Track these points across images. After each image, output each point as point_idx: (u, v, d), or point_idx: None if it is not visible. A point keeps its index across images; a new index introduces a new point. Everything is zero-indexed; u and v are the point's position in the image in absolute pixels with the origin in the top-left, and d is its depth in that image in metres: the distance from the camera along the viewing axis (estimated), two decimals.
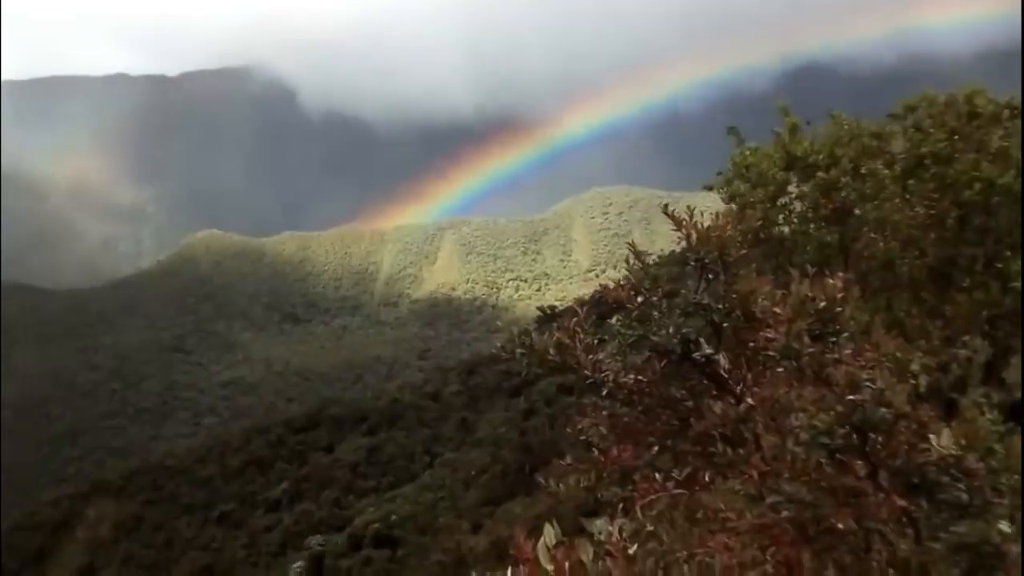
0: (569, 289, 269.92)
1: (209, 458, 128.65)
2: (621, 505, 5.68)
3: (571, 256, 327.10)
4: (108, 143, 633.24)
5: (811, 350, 5.49)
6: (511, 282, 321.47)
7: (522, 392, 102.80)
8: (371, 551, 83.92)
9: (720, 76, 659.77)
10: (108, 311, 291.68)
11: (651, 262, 6.24)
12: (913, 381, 9.83)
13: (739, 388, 5.88)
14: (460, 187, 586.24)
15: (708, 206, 14.81)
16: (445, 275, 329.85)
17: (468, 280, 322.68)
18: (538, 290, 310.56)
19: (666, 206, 6.12)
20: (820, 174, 14.21)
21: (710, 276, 5.94)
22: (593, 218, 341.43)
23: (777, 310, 5.69)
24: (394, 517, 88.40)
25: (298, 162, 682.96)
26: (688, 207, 6.00)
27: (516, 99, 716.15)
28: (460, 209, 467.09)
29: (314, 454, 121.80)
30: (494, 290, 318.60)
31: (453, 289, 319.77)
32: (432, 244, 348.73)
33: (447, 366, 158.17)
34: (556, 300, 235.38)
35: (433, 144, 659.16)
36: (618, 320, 6.13)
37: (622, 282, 6.17)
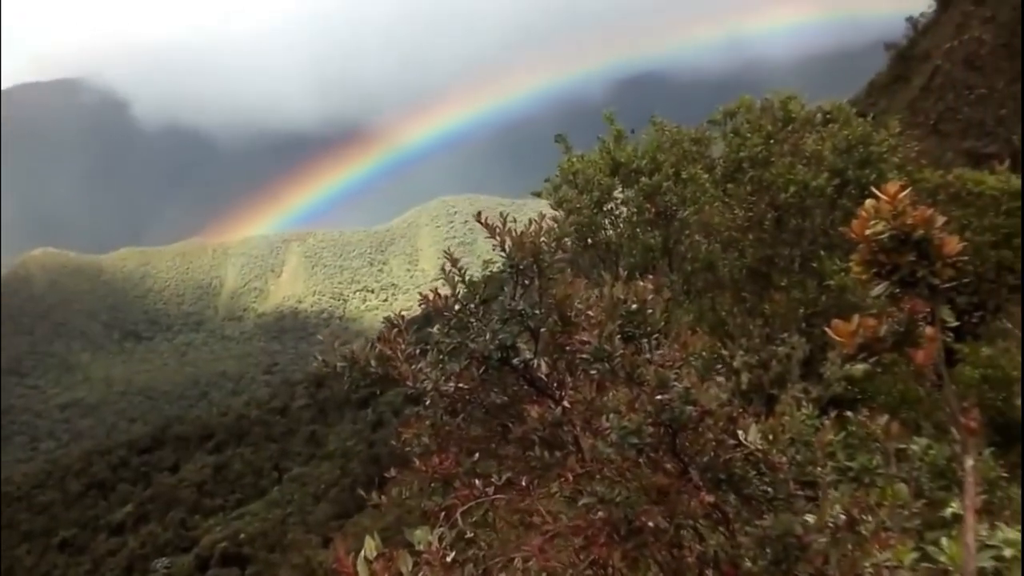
0: (417, 299, 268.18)
1: (48, 483, 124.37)
2: (443, 513, 5.67)
3: (418, 265, 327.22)
4: None
5: (622, 352, 5.56)
6: (358, 293, 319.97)
7: (370, 404, 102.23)
8: (219, 570, 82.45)
9: (561, 83, 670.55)
10: None
11: (496, 271, 6.25)
12: (735, 377, 10.12)
13: (558, 392, 5.93)
14: (305, 198, 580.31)
15: (550, 213, 15.06)
16: (291, 288, 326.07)
17: (315, 292, 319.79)
18: (385, 300, 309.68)
19: (479, 213, 6.13)
20: (643, 179, 14.54)
21: (526, 282, 5.96)
22: (439, 227, 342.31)
23: (591, 313, 5.75)
24: (242, 535, 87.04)
25: (136, 176, 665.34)
26: (502, 215, 6.03)
27: (359, 109, 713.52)
28: (306, 221, 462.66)
29: (159, 475, 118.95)
30: (341, 301, 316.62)
31: (299, 302, 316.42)
32: (277, 257, 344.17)
33: (294, 380, 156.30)
34: (403, 310, 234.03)
35: (276, 155, 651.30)
36: (437, 329, 6.11)
37: (439, 291, 6.16)
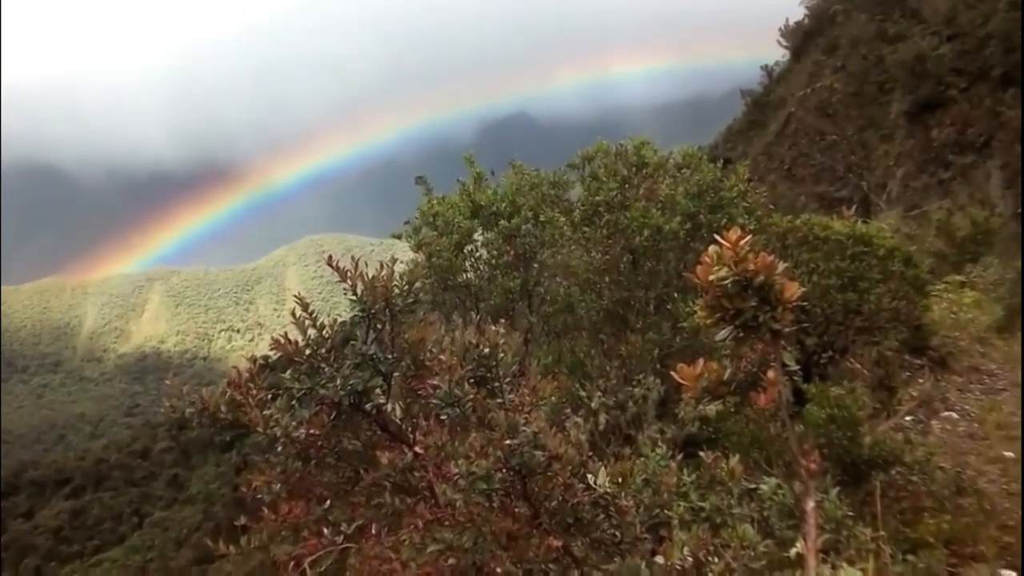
0: (273, 336, 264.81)
1: None
2: (292, 563, 5.57)
3: (284, 305, 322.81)
4: None
5: (474, 396, 5.56)
6: (223, 332, 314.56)
7: (235, 446, 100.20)
8: None
9: (429, 125, 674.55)
10: None
11: (353, 314, 6.18)
12: (593, 418, 10.20)
13: (412, 437, 5.89)
14: (169, 237, 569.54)
15: (407, 254, 15.03)
16: (153, 327, 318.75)
17: (178, 332, 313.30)
18: (251, 340, 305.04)
19: (330, 257, 6.07)
20: (503, 222, 14.64)
21: (378, 326, 5.93)
22: (307, 266, 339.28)
23: (443, 358, 5.74)
24: None
25: None
26: (353, 258, 5.99)
27: (222, 149, 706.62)
28: (170, 260, 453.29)
29: (12, 521, 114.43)
30: (206, 341, 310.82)
31: (162, 342, 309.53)
32: (139, 296, 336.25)
33: (156, 422, 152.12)
34: (269, 350, 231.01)
35: (137, 194, 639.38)
36: (289, 374, 6.01)
37: (289, 335, 6.08)
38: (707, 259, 3.54)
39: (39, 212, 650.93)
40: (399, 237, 16.27)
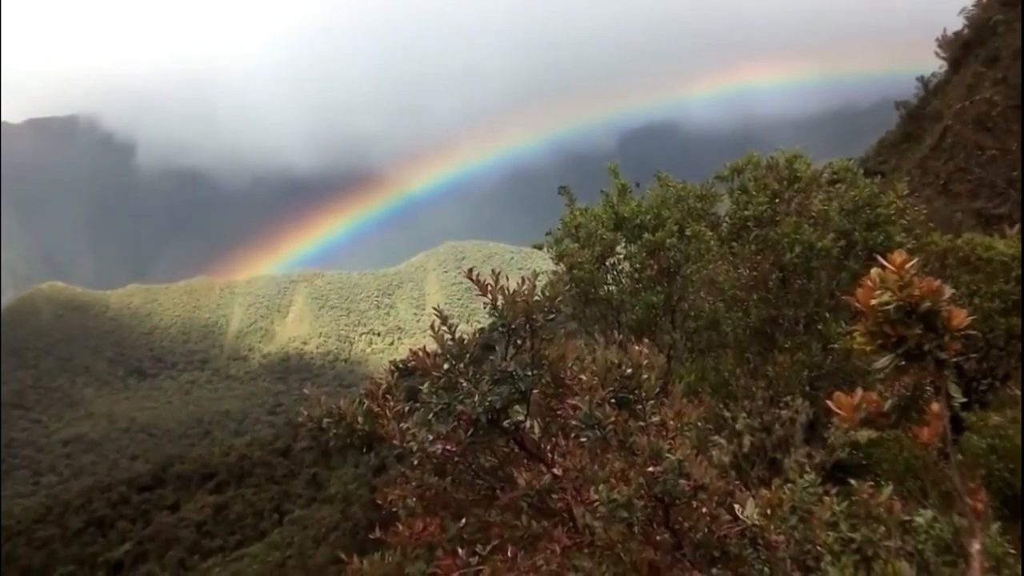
0: (423, 343, 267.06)
1: (48, 518, 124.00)
2: None
3: (424, 310, 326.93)
4: None
5: (614, 419, 5.38)
6: (364, 336, 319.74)
7: (373, 448, 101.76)
8: None
9: (567, 133, 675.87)
10: None
11: (491, 325, 6.12)
12: (737, 440, 9.87)
13: (550, 457, 5.75)
14: (312, 240, 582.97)
15: (548, 264, 14.92)
16: (297, 328, 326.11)
17: (320, 334, 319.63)
18: (391, 343, 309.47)
19: (471, 270, 5.96)
20: (647, 235, 14.39)
21: (518, 342, 5.80)
22: (447, 272, 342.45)
23: (583, 377, 5.58)
24: None
25: (141, 214, 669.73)
26: (493, 271, 5.87)
27: (358, 156, 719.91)
28: (312, 262, 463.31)
29: (159, 513, 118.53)
30: (347, 344, 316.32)
31: (305, 343, 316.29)
32: (284, 297, 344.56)
33: (297, 422, 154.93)
34: (408, 361, 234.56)
35: (278, 198, 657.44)
36: (426, 387, 5.93)
37: (428, 348, 6.00)
38: (868, 282, 3.35)
39: (185, 214, 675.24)
40: (540, 247, 16.17)
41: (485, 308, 5.83)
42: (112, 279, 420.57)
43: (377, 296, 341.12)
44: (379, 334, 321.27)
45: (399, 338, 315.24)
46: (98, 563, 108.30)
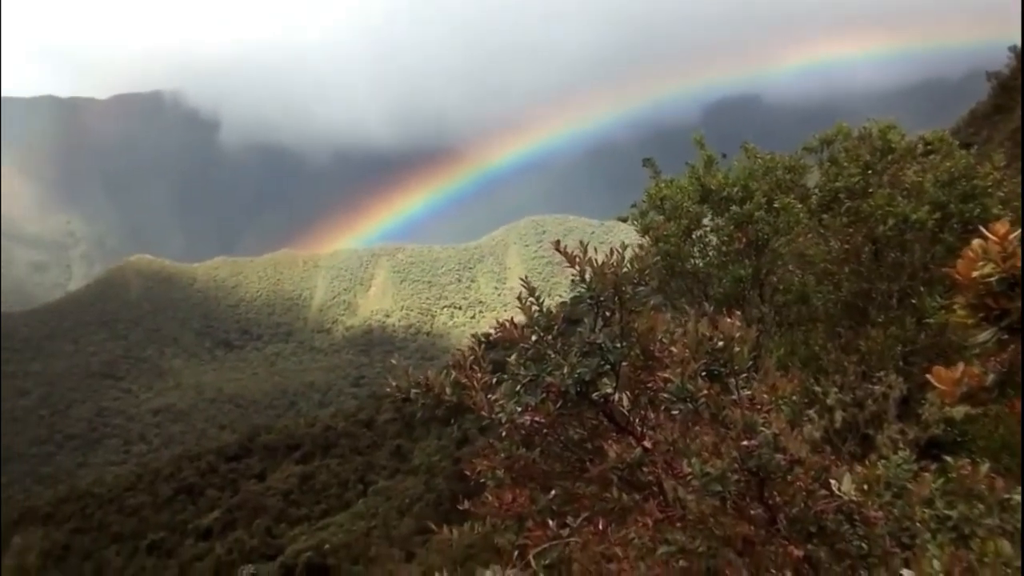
0: (504, 317, 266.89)
1: (139, 486, 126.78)
2: (516, 552, 5.47)
3: (505, 284, 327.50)
4: (35, 165, 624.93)
5: (707, 392, 5.30)
6: (445, 309, 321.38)
7: (455, 420, 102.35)
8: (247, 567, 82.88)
9: (649, 106, 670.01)
10: (36, 336, 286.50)
11: (577, 295, 6.06)
12: (828, 415, 9.72)
13: (640, 430, 5.70)
14: (393, 214, 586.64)
15: (631, 237, 14.79)
16: (379, 302, 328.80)
17: (402, 307, 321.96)
18: (472, 317, 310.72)
19: (558, 242, 5.90)
20: (734, 208, 14.15)
21: (607, 314, 5.74)
22: (527, 246, 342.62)
23: (674, 349, 5.51)
24: (327, 546, 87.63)
25: (226, 188, 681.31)
26: (581, 243, 5.81)
27: (437, 131, 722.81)
28: (394, 236, 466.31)
29: (246, 482, 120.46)
30: (428, 317, 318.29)
31: (387, 316, 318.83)
32: (366, 271, 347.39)
33: (381, 393, 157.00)
34: (490, 328, 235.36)
35: (359, 173, 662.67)
36: (514, 359, 5.90)
37: (516, 320, 5.97)
38: (970, 253, 3.22)
39: (269, 189, 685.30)
40: (625, 220, 16.01)
41: (571, 280, 5.79)
42: (199, 252, 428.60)
43: (458, 270, 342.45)
44: (460, 308, 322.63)
45: (480, 312, 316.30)
46: (188, 530, 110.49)
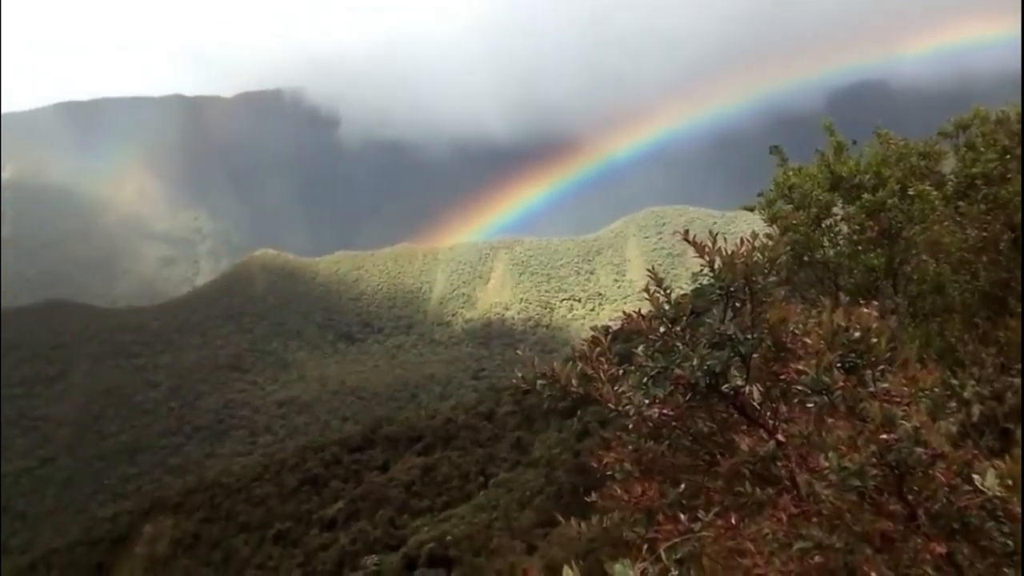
0: (623, 309, 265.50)
1: (265, 476, 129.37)
2: (646, 546, 5.42)
3: (625, 276, 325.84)
4: (164, 163, 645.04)
5: (843, 384, 5.18)
6: (565, 302, 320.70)
7: (576, 413, 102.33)
8: (426, 571, 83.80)
9: (772, 95, 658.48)
10: (166, 330, 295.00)
11: (703, 284, 6.00)
12: (965, 409, 9.43)
13: (771, 423, 5.60)
14: (511, 207, 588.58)
15: (763, 227, 14.51)
16: (498, 295, 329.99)
17: (521, 300, 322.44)
18: (592, 310, 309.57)
19: (686, 232, 5.83)
20: (866, 195, 13.79)
21: (736, 305, 5.65)
22: (647, 238, 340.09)
23: (808, 340, 5.40)
24: (449, 537, 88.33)
25: (346, 184, 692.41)
26: (711, 232, 5.73)
27: (554, 122, 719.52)
28: (512, 229, 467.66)
29: (369, 473, 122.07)
30: (548, 310, 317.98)
31: (506, 309, 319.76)
32: (485, 264, 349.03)
33: (501, 386, 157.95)
34: (610, 320, 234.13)
35: (477, 166, 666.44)
36: (642, 351, 5.84)
37: (643, 311, 5.90)
38: None
39: (388, 183, 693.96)
40: (751, 210, 15.72)
41: (692, 273, 5.72)
42: (321, 247, 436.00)
43: (577, 262, 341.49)
44: (580, 300, 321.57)
45: (600, 304, 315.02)
46: (312, 520, 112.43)
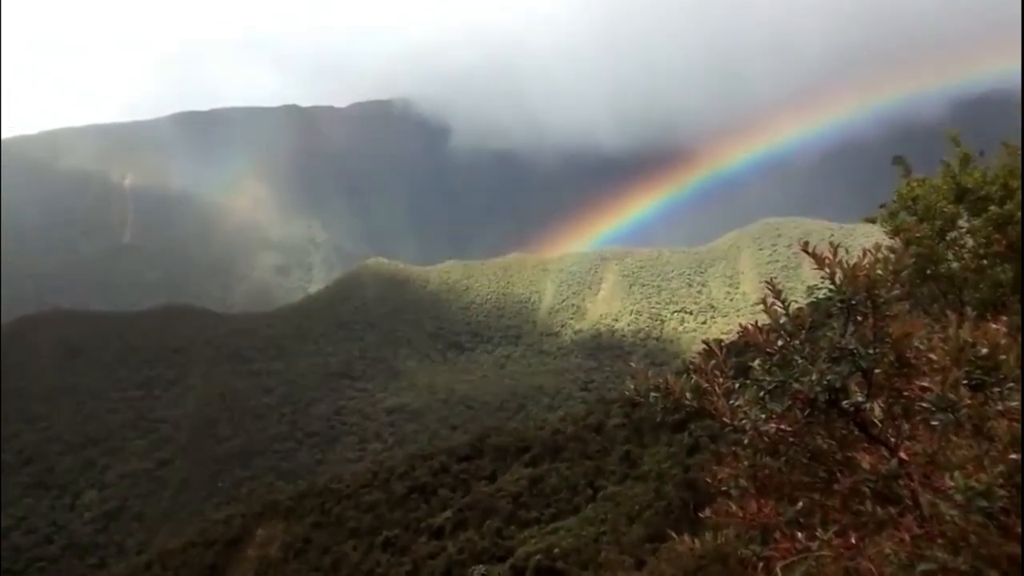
0: (736, 323, 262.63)
1: (374, 483, 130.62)
2: (761, 564, 5.33)
3: (738, 288, 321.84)
4: (279, 172, 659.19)
5: (969, 401, 5.02)
6: (675, 314, 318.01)
7: (686, 427, 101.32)
8: None
9: (893, 105, 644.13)
10: (279, 336, 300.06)
11: (819, 297, 5.89)
12: None
13: (893, 440, 5.46)
14: (621, 218, 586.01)
15: (883, 239, 14.16)
16: (608, 306, 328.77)
17: (631, 311, 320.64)
18: (704, 323, 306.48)
19: (806, 243, 5.73)
20: (993, 207, 13.37)
21: (858, 318, 5.53)
22: (761, 250, 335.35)
23: (933, 356, 5.25)
24: (556, 550, 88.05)
25: (456, 194, 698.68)
26: (832, 244, 5.61)
27: (667, 132, 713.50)
28: (623, 239, 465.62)
29: (477, 483, 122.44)
30: (658, 322, 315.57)
31: (616, 320, 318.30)
32: (595, 274, 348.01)
33: (610, 398, 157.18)
34: (722, 333, 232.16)
35: (587, 177, 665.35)
36: (759, 364, 5.74)
37: (760, 324, 5.80)
38: None
39: (498, 194, 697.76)
40: (872, 221, 15.37)
41: (808, 286, 5.61)
42: (432, 255, 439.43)
43: (689, 274, 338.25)
44: (691, 312, 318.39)
45: (711, 317, 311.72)
46: (420, 528, 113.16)
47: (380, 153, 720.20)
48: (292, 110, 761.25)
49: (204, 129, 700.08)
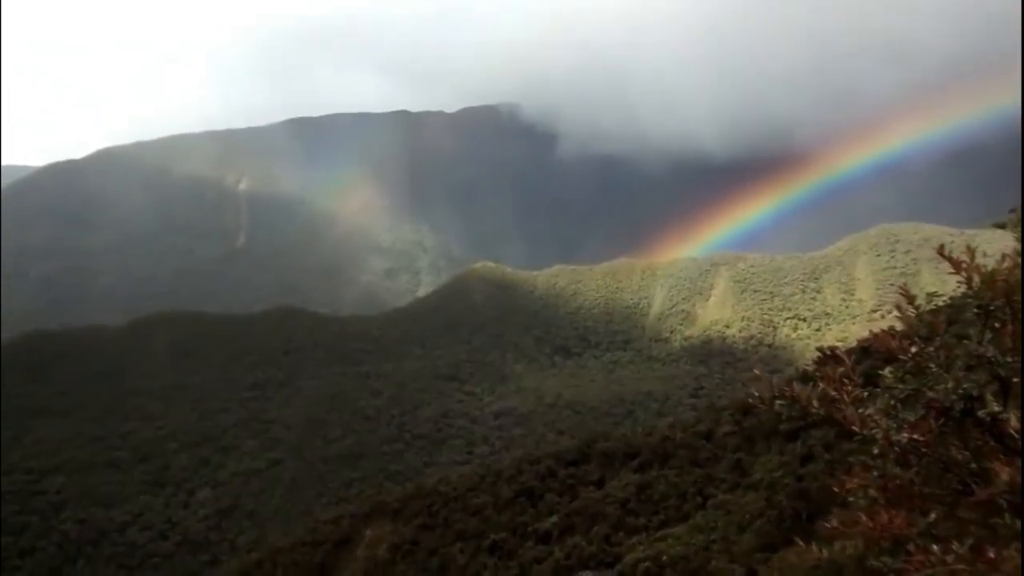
0: (851, 330, 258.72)
1: (481, 487, 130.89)
2: None
3: (854, 295, 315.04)
4: (388, 177, 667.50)
5: None
6: (789, 320, 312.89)
7: (799, 436, 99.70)
8: None
9: (1010, 106, 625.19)
10: (387, 339, 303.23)
11: (941, 303, 5.72)
12: None
13: None
14: (732, 223, 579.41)
15: (1009, 245, 13.71)
16: (718, 312, 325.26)
17: (743, 317, 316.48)
18: (818, 330, 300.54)
19: (942, 246, 5.57)
20: None
21: (996, 324, 5.34)
22: (878, 256, 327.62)
23: None
24: (664, 557, 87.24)
25: (564, 199, 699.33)
26: (969, 247, 5.43)
27: (776, 138, 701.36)
28: (734, 245, 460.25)
29: (584, 488, 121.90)
30: (770, 328, 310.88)
31: (727, 327, 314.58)
32: (705, 280, 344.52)
33: (720, 405, 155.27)
34: (837, 341, 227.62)
35: (696, 182, 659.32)
36: (890, 372, 5.59)
37: (893, 329, 5.65)
38: None
39: (605, 199, 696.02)
40: (1002, 227, 14.86)
41: (959, 286, 5.44)
42: (539, 260, 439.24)
43: (802, 280, 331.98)
44: (804, 319, 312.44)
45: (826, 324, 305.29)
46: (527, 532, 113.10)
47: (487, 158, 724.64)
48: (400, 115, 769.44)
49: (315, 135, 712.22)
